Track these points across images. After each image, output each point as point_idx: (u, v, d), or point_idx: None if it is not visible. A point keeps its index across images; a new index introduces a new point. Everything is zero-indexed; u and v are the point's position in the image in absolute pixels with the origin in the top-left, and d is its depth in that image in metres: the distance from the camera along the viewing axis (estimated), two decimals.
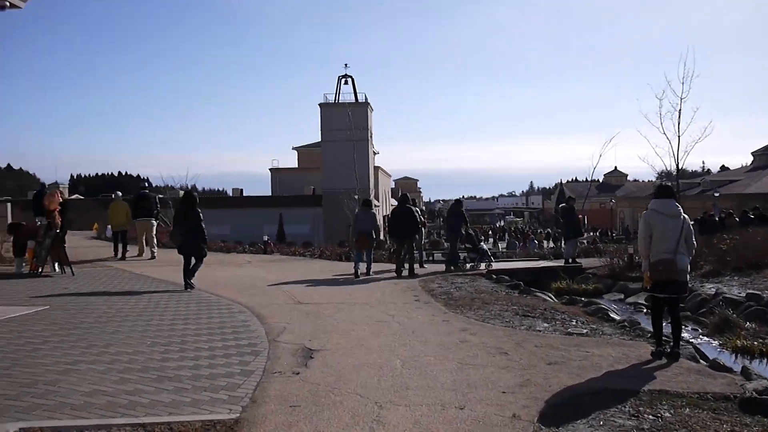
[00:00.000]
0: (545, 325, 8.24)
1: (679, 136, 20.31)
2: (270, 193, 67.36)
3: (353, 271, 13.18)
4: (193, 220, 10.75)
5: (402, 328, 7.64)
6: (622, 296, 13.05)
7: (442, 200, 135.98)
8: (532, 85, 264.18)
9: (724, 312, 9.49)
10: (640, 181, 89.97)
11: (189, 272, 10.74)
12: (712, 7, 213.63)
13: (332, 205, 49.50)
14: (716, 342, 8.74)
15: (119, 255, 16.18)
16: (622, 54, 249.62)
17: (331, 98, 58.20)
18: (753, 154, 65.96)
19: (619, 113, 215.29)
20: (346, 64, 63.52)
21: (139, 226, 16.36)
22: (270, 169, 71.38)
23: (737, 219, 21.98)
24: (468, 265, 15.66)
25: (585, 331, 7.90)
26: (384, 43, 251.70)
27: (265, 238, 40.10)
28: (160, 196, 20.10)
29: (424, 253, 17.73)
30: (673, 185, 22.06)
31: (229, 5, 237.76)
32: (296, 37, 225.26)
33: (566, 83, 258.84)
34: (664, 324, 6.64)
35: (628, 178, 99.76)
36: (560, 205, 17.58)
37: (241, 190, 70.80)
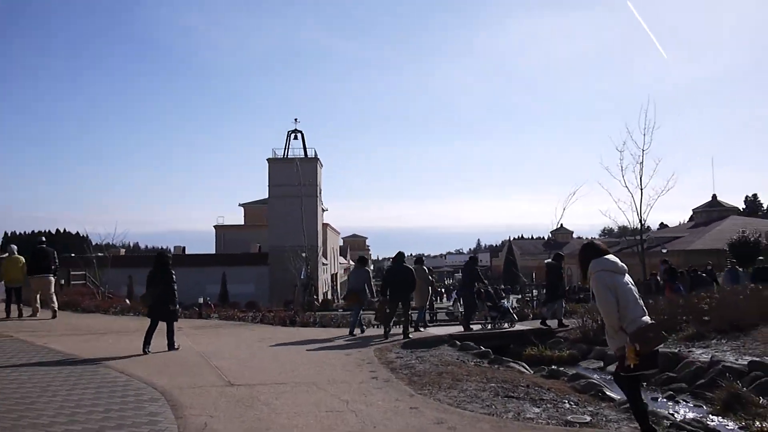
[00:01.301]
0: (535, 410, 6.68)
1: (641, 189, 19.55)
2: (214, 252, 64.74)
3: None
4: (164, 282, 10.53)
5: (360, 423, 5.93)
6: (601, 363, 11.61)
7: (391, 258, 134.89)
8: (478, 142, 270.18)
9: (732, 385, 8.14)
10: (585, 238, 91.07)
11: (151, 338, 10.20)
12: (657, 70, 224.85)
13: (279, 264, 47.63)
14: (733, 423, 7.34)
15: (12, 314, 14.71)
16: (565, 113, 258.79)
17: (280, 153, 56.81)
18: (694, 210, 67.56)
19: (566, 170, 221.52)
20: (296, 119, 62.03)
21: (35, 283, 14.84)
22: (215, 227, 68.85)
23: (689, 276, 21.25)
24: (488, 325, 15.09)
25: (587, 418, 6.37)
26: (333, 98, 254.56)
27: (201, 300, 37.83)
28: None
29: (427, 313, 16.59)
30: (636, 240, 21.34)
31: (175, 61, 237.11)
32: (245, 91, 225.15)
33: (509, 141, 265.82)
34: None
35: (573, 235, 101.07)
36: (546, 261, 16.18)
37: (184, 248, 67.71)
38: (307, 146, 58.42)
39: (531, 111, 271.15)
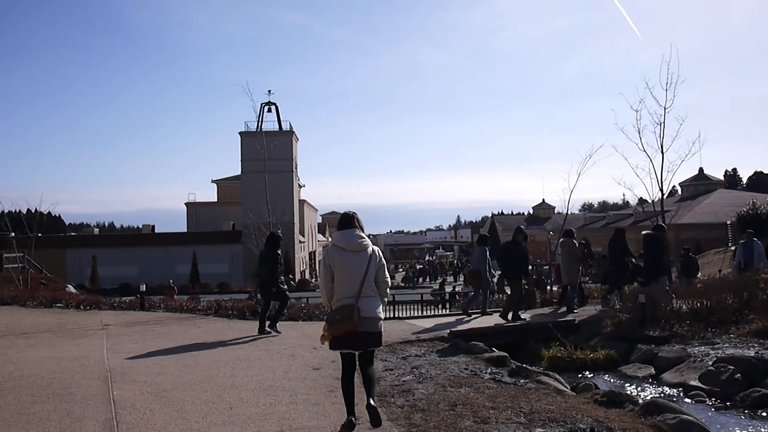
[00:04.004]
0: None
1: (663, 153, 16.67)
2: (186, 230, 61.29)
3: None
4: (270, 261, 10.73)
5: None
6: (650, 369, 8.83)
7: (372, 234, 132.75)
8: (457, 122, 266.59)
9: None
10: (569, 213, 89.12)
11: (270, 316, 10.68)
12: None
13: (253, 242, 44.01)
14: None
15: None
16: (545, 90, 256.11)
17: (253, 126, 53.17)
18: (681, 185, 65.65)
19: (547, 147, 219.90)
20: (269, 91, 58.72)
21: None
22: (186, 204, 65.27)
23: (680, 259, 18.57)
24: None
25: None
26: (311, 79, 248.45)
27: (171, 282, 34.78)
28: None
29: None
30: (657, 212, 18.60)
31: (145, 38, 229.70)
32: (217, 68, 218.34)
33: (489, 119, 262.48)
34: None
35: (555, 210, 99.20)
36: (645, 233, 12.97)
37: (153, 226, 64.14)
38: (281, 119, 55.05)
39: (510, 89, 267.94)
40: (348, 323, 4.86)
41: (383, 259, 5.28)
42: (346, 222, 5.21)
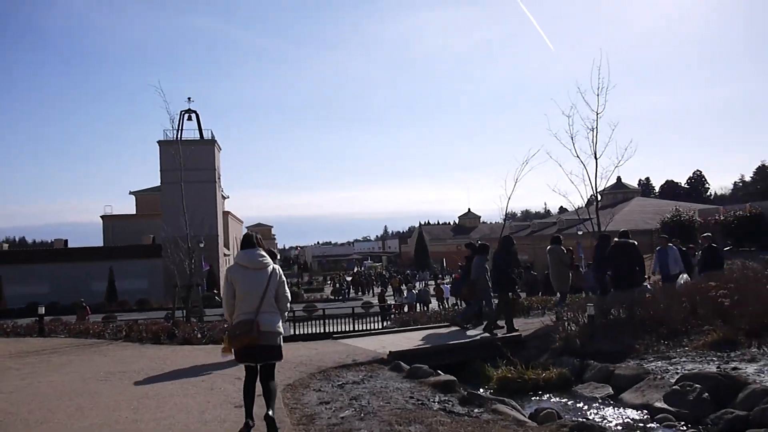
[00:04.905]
0: None
1: (596, 158, 16.43)
2: (102, 244, 57.81)
3: None
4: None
5: None
6: (608, 389, 8.17)
7: (299, 246, 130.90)
8: (380, 132, 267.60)
9: None
10: (491, 222, 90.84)
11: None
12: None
13: (178, 256, 41.64)
14: None
15: None
16: (468, 100, 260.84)
17: (172, 135, 50.77)
18: (600, 193, 67.55)
19: (471, 157, 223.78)
20: (189, 98, 55.92)
21: None
22: (102, 216, 61.75)
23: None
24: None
25: None
26: (233, 89, 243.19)
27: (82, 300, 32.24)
28: None
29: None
30: (591, 219, 18.39)
31: (55, 46, 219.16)
32: (136, 75, 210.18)
33: (411, 130, 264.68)
34: None
35: (481, 220, 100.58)
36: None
37: (66, 241, 60.20)
38: (203, 128, 52.90)
39: (431, 100, 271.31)
40: (247, 336, 5.16)
41: (284, 276, 5.59)
42: (248, 242, 5.58)
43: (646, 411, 7.11)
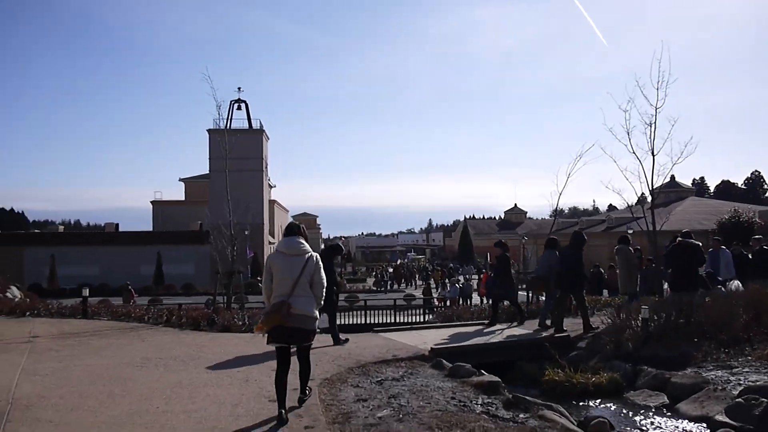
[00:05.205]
0: None
1: (653, 155, 15.73)
2: (151, 229, 59.00)
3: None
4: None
5: None
6: (663, 398, 7.68)
7: (343, 237, 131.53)
8: (428, 127, 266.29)
9: None
10: (538, 218, 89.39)
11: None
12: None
13: (221, 243, 42.05)
14: None
15: None
16: (518, 97, 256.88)
17: (223, 124, 51.26)
18: (651, 192, 65.53)
19: (518, 152, 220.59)
20: (239, 88, 56.66)
21: None
22: (152, 202, 63.03)
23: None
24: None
25: None
26: (281, 80, 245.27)
27: (127, 283, 32.85)
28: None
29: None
30: (644, 217, 17.65)
31: (114, 37, 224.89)
32: (188, 66, 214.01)
33: (458, 124, 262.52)
34: None
35: (527, 215, 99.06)
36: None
37: (117, 225, 61.72)
38: (251, 117, 53.33)
39: (480, 96, 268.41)
40: (277, 316, 5.38)
41: (320, 263, 5.79)
42: (290, 230, 5.87)
43: (705, 424, 6.58)
